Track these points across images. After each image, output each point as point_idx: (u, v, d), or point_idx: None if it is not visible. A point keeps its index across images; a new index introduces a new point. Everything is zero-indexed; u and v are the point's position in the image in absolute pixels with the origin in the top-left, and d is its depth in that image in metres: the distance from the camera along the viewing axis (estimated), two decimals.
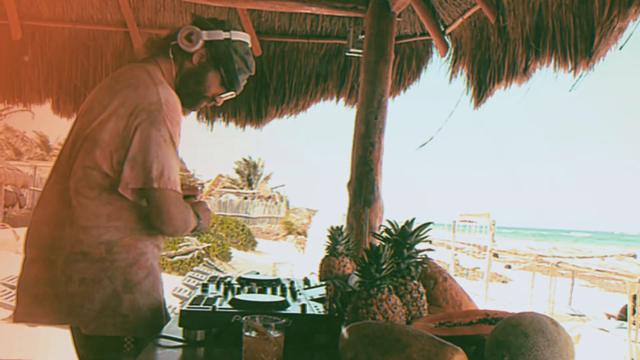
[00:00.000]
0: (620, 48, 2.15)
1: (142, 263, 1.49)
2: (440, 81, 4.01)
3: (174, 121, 1.45)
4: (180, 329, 1.28)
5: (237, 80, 1.65)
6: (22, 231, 11.63)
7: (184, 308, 1.28)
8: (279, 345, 1.05)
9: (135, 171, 1.40)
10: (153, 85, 1.47)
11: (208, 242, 12.13)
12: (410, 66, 3.89)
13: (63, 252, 1.44)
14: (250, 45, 1.69)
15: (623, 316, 7.89)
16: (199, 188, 1.92)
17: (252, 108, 4.04)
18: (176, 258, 10.98)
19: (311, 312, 1.30)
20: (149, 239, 1.52)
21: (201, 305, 1.30)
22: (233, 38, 1.61)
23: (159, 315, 1.53)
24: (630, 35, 2.06)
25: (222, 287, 1.57)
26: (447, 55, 3.49)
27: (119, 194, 1.42)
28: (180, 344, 1.26)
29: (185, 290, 6.94)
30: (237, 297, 1.39)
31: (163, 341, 1.27)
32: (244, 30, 1.69)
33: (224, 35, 1.60)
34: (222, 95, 1.68)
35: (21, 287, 1.52)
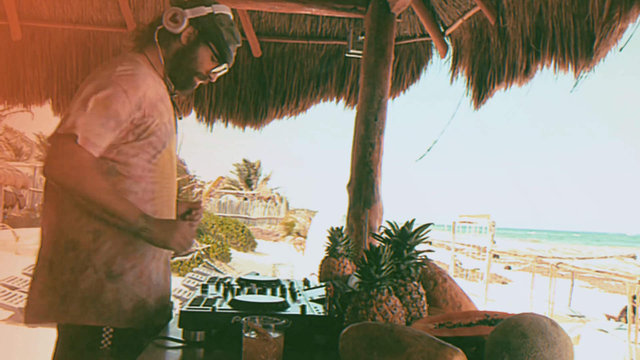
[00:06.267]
0: (621, 49, 2.15)
1: (129, 253, 1.48)
2: (440, 82, 4.02)
3: (118, 88, 1.42)
4: (180, 329, 1.28)
5: (229, 51, 1.65)
6: (21, 232, 11.63)
7: (183, 309, 1.27)
8: (278, 346, 1.05)
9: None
10: (119, 62, 1.49)
11: (208, 243, 12.13)
12: (410, 67, 3.89)
13: (60, 241, 1.45)
14: (232, 17, 1.68)
15: (623, 318, 7.89)
16: (200, 202, 1.80)
17: (252, 109, 4.04)
18: (176, 259, 10.98)
19: (311, 313, 1.30)
20: None
21: (201, 306, 1.30)
22: (216, 12, 1.62)
23: (142, 308, 1.50)
24: (630, 36, 2.07)
25: (221, 288, 1.57)
26: (447, 56, 3.49)
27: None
28: (180, 344, 1.25)
29: (185, 291, 6.95)
30: (237, 298, 1.39)
31: (163, 342, 1.27)
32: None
33: (207, 10, 1.61)
34: (215, 70, 1.68)
35: (32, 283, 1.51)
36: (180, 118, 1.72)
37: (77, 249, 1.44)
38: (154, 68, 1.60)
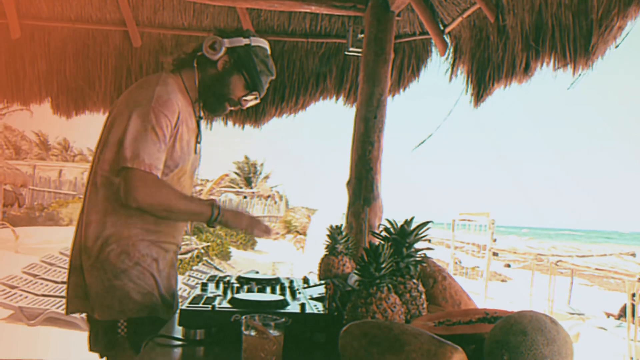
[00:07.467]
0: (617, 46, 2.15)
1: (131, 253, 1.63)
2: (439, 80, 4.01)
3: (160, 113, 1.58)
4: (180, 328, 1.28)
5: (260, 81, 1.79)
6: (21, 230, 11.63)
7: (183, 307, 1.28)
8: (278, 344, 1.06)
9: (115, 154, 1.56)
10: (155, 85, 1.63)
11: (207, 242, 12.12)
12: (409, 65, 3.89)
13: (76, 245, 1.67)
14: (269, 52, 1.85)
15: (623, 315, 7.90)
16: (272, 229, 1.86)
17: (251, 107, 4.04)
18: None
19: (310, 311, 1.30)
20: (145, 234, 1.66)
21: (200, 305, 1.30)
22: (252, 44, 1.78)
23: (150, 298, 1.65)
24: (627, 34, 2.07)
25: (221, 286, 1.58)
26: (447, 54, 3.49)
27: (117, 191, 1.57)
28: (179, 343, 1.26)
29: (185, 290, 6.95)
30: (237, 296, 1.40)
31: (163, 340, 1.27)
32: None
33: (244, 41, 1.77)
34: (247, 98, 1.81)
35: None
36: (199, 142, 1.83)
37: (87, 254, 1.62)
38: (187, 90, 1.75)
